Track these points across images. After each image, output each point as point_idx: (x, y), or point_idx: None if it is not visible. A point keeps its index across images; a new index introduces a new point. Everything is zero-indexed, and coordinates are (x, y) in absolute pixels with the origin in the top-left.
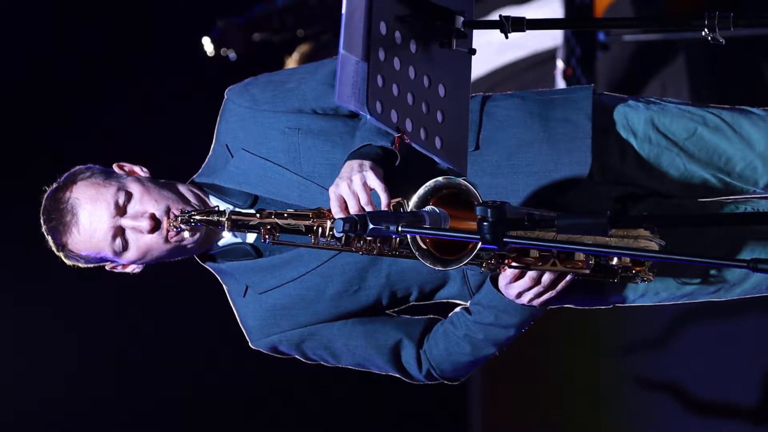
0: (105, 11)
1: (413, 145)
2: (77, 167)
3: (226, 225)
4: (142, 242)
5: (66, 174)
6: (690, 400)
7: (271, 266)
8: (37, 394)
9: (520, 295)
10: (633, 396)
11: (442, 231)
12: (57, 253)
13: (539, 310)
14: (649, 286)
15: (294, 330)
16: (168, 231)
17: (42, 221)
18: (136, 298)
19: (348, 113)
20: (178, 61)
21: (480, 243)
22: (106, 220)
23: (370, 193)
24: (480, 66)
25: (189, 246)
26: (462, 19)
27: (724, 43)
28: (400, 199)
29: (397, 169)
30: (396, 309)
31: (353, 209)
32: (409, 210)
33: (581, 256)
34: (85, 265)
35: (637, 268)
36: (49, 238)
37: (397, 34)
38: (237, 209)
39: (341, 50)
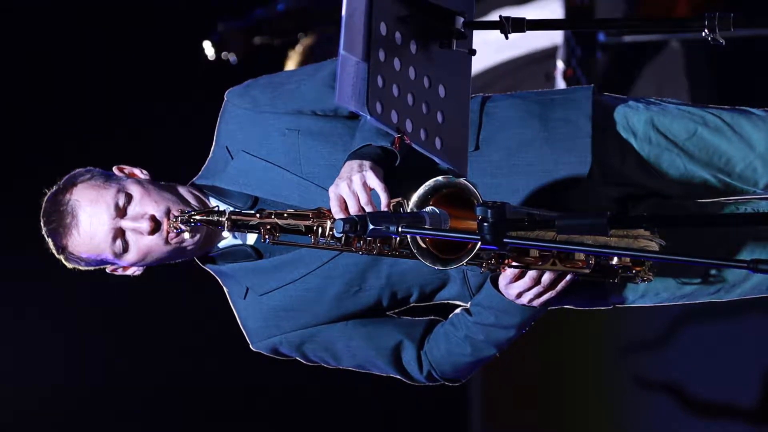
0: (107, 15)
1: (413, 145)
2: (77, 170)
3: (226, 225)
4: (143, 244)
5: (66, 176)
6: (690, 400)
7: (271, 268)
8: (34, 395)
9: (520, 295)
10: (633, 396)
11: (443, 231)
12: (57, 256)
13: (540, 311)
14: (649, 287)
15: (295, 332)
16: (168, 232)
17: (42, 224)
18: (137, 299)
19: (348, 114)
20: (179, 65)
21: (480, 243)
22: (106, 222)
23: (370, 193)
24: (476, 63)
25: (189, 247)
26: (462, 19)
27: (724, 43)
28: (400, 199)
29: (397, 169)
30: (396, 310)
31: (353, 209)
32: (409, 210)
33: (581, 256)
34: (86, 268)
35: (637, 269)
36: (49, 241)
37: (398, 34)
38: (237, 209)
39: (341, 51)
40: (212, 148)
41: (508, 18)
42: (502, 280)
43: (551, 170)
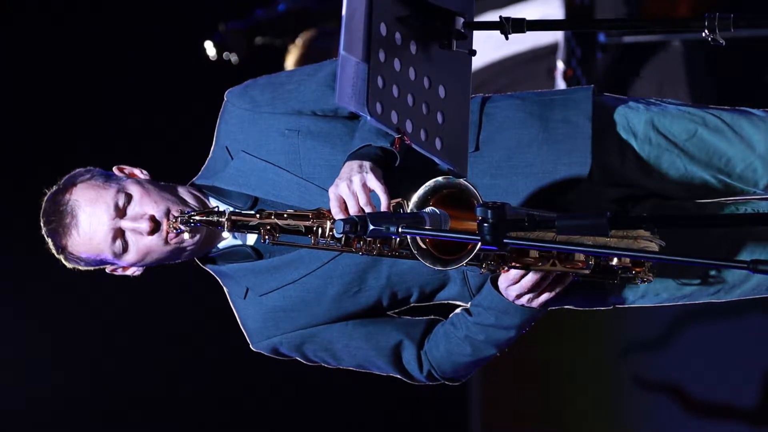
0: (108, 15)
1: (413, 146)
2: (77, 170)
3: (225, 225)
4: (142, 244)
5: (66, 177)
6: (690, 400)
7: (271, 268)
8: (34, 395)
9: (519, 296)
10: (633, 396)
11: (443, 232)
12: (57, 256)
13: (540, 311)
14: (649, 287)
15: (295, 332)
16: (168, 233)
17: (42, 223)
18: (136, 299)
19: (348, 115)
20: (180, 65)
21: (480, 244)
22: (106, 222)
23: (370, 193)
24: (477, 59)
25: (189, 248)
26: (462, 20)
27: (724, 44)
28: (400, 199)
29: (397, 169)
30: (396, 310)
31: (352, 210)
32: (409, 210)
33: (581, 257)
34: (85, 268)
35: (637, 269)
36: (48, 241)
37: (398, 35)
38: (237, 210)
39: (341, 51)
40: (212, 149)
41: (508, 18)
42: (502, 282)
43: (551, 171)
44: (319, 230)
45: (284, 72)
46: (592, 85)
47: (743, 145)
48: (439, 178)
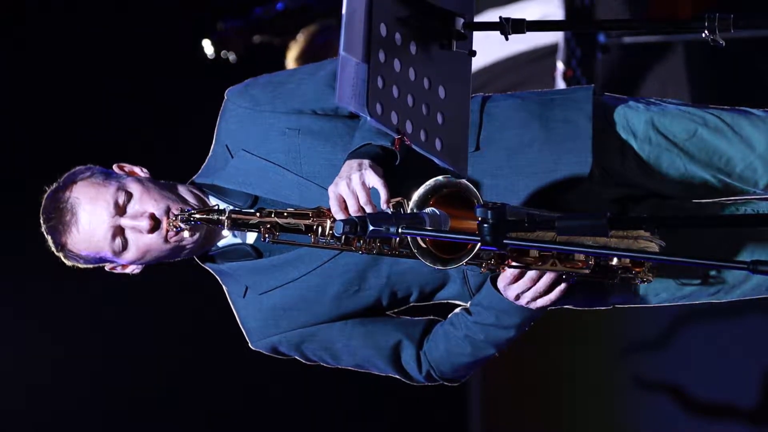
0: (106, 13)
1: (413, 146)
2: (77, 168)
3: (225, 223)
4: (142, 242)
5: (66, 174)
6: (690, 400)
7: (271, 267)
8: (32, 395)
9: (518, 296)
10: (633, 396)
11: (443, 233)
12: (56, 254)
13: (539, 311)
14: (649, 287)
15: (294, 331)
16: (167, 231)
17: (42, 221)
18: (135, 298)
19: (348, 114)
20: (178, 63)
21: (480, 245)
22: (106, 220)
23: (369, 192)
24: (480, 58)
25: (188, 246)
26: (462, 20)
27: (724, 45)
28: (400, 198)
29: (397, 168)
30: (396, 310)
31: (352, 208)
32: (409, 209)
33: (581, 257)
34: (85, 266)
35: (637, 269)
36: (48, 238)
37: (398, 35)
38: (237, 208)
39: (341, 51)
40: (212, 147)
41: (508, 19)
42: (501, 281)
43: (552, 170)
44: (319, 229)
45: (285, 71)
46: (593, 85)
47: (743, 144)
48: (440, 177)
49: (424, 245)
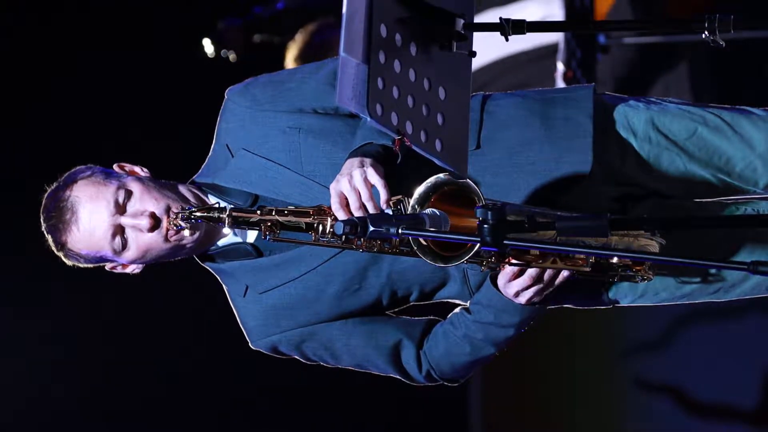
0: (106, 12)
1: (413, 147)
2: (78, 167)
3: (226, 221)
4: (142, 241)
5: (66, 173)
6: (690, 400)
7: (271, 266)
8: (32, 395)
9: (518, 294)
10: (633, 397)
11: (443, 233)
12: (57, 253)
13: (539, 310)
14: (649, 287)
15: (294, 330)
16: (168, 230)
17: (42, 220)
18: (135, 298)
19: (349, 113)
20: (178, 62)
21: (480, 245)
22: (106, 219)
23: (371, 188)
24: (482, 57)
25: (189, 245)
26: (462, 21)
27: (724, 45)
28: (401, 196)
29: (398, 167)
30: (396, 309)
31: (354, 205)
32: (410, 206)
33: (581, 255)
34: (85, 265)
35: (637, 268)
36: (48, 237)
37: (398, 36)
38: (238, 206)
39: (342, 52)
40: (212, 146)
41: (508, 20)
42: (501, 279)
43: (553, 169)
44: (320, 227)
45: (285, 70)
46: (593, 84)
47: (743, 144)
48: (440, 175)
49: (424, 243)
